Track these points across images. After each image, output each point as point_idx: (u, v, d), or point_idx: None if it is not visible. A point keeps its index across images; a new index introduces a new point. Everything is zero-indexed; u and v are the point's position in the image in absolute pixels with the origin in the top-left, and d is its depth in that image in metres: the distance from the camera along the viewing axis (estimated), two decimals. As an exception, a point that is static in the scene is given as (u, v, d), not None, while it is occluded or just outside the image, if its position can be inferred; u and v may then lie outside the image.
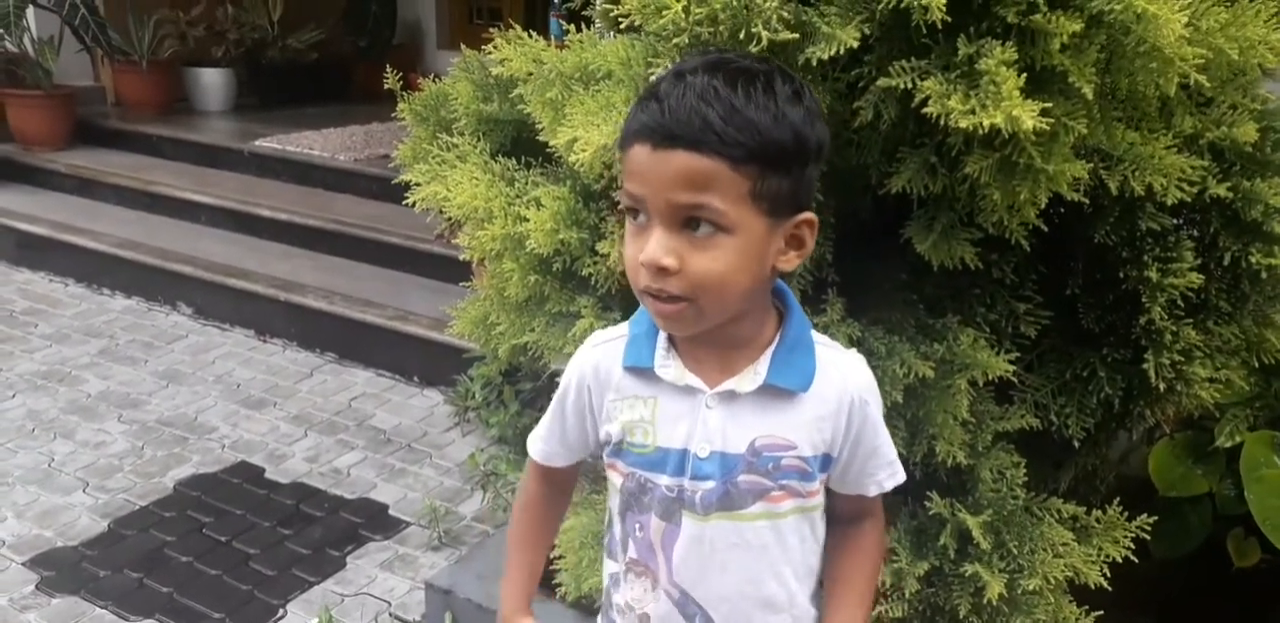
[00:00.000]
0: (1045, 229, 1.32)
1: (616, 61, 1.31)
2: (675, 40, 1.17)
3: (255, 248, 4.27)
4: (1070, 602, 1.46)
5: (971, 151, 1.19)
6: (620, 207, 0.94)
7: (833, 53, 1.18)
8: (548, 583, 1.93)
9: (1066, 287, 1.60)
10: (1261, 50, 1.24)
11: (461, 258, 1.56)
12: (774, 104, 0.87)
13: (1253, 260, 1.46)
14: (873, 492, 1.07)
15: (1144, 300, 1.48)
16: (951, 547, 1.43)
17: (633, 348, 1.05)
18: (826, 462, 1.03)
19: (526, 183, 1.44)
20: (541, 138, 1.57)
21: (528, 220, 1.32)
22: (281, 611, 2.31)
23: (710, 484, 1.02)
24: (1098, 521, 1.50)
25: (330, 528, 2.64)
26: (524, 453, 3.21)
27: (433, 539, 2.59)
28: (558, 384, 1.12)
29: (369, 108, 5.46)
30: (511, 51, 1.52)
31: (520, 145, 1.78)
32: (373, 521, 2.68)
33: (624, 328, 1.08)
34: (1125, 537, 1.48)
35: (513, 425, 2.95)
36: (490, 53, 1.57)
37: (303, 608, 2.32)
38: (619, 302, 1.38)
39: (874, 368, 1.41)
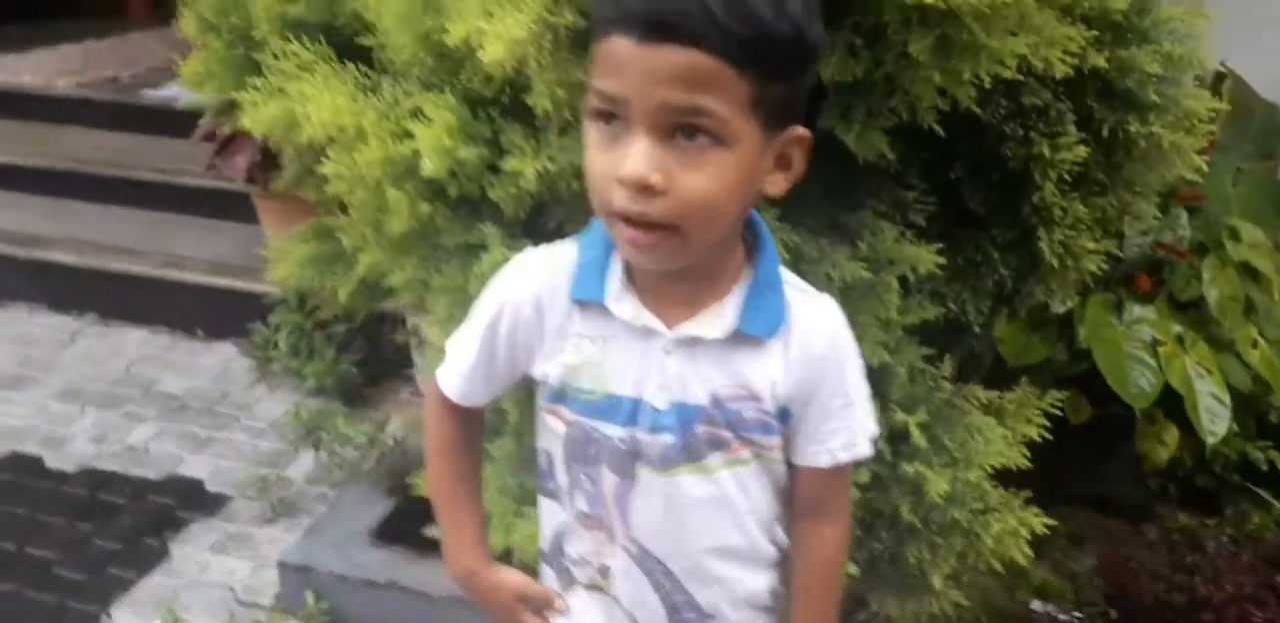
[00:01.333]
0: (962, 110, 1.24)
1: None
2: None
3: (-33, 199, 3.63)
4: (996, 487, 1.47)
5: (910, 30, 1.09)
6: (592, 108, 0.78)
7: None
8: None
9: (949, 170, 1.56)
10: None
11: (327, 192, 1.29)
12: None
13: (1131, 130, 1.47)
14: (824, 462, 0.96)
15: (1036, 177, 1.47)
16: (887, 450, 1.39)
17: (582, 276, 0.90)
18: (786, 415, 0.94)
19: (398, 92, 1.20)
20: (372, 41, 1.33)
21: (412, 137, 1.09)
22: (105, 618, 2.01)
23: (669, 438, 0.91)
24: (1009, 402, 1.51)
25: (140, 515, 2.30)
26: (354, 404, 2.91)
27: (265, 511, 2.32)
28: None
29: (78, 23, 4.66)
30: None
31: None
32: (189, 500, 2.36)
33: (570, 249, 0.92)
34: (1037, 415, 1.50)
35: (331, 373, 2.69)
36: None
37: (131, 611, 2.03)
38: (524, 229, 1.20)
39: (807, 272, 1.33)
